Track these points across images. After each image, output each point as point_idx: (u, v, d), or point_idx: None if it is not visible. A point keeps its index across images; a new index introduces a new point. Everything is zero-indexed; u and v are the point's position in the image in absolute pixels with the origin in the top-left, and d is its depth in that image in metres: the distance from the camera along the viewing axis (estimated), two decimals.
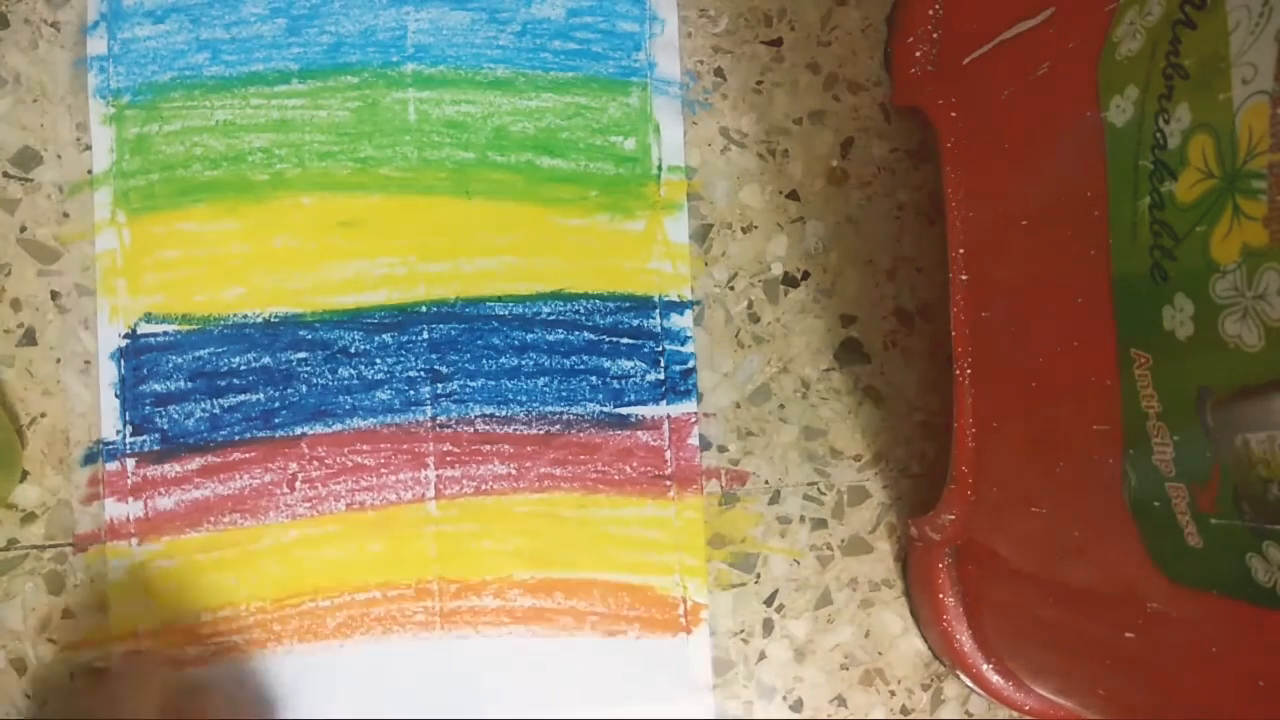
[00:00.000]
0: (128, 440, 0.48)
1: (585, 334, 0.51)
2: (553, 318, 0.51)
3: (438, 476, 0.50)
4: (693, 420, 0.52)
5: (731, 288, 0.53)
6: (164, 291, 0.49)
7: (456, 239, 0.50)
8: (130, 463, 0.48)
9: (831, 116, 0.54)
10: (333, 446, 0.49)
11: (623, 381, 0.51)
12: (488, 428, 0.50)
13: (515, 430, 0.50)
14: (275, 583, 0.48)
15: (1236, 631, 0.33)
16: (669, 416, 0.52)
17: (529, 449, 0.50)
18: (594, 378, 0.51)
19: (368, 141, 0.50)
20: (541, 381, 0.51)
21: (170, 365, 0.48)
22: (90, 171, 0.48)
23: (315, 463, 0.49)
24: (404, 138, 0.50)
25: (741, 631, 0.52)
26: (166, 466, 0.48)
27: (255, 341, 0.49)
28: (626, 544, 0.51)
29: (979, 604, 0.49)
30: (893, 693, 0.54)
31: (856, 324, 0.54)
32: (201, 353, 0.49)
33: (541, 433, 0.50)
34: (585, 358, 0.51)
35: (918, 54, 0.51)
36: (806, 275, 0.54)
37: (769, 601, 0.53)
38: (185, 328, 0.49)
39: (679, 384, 0.52)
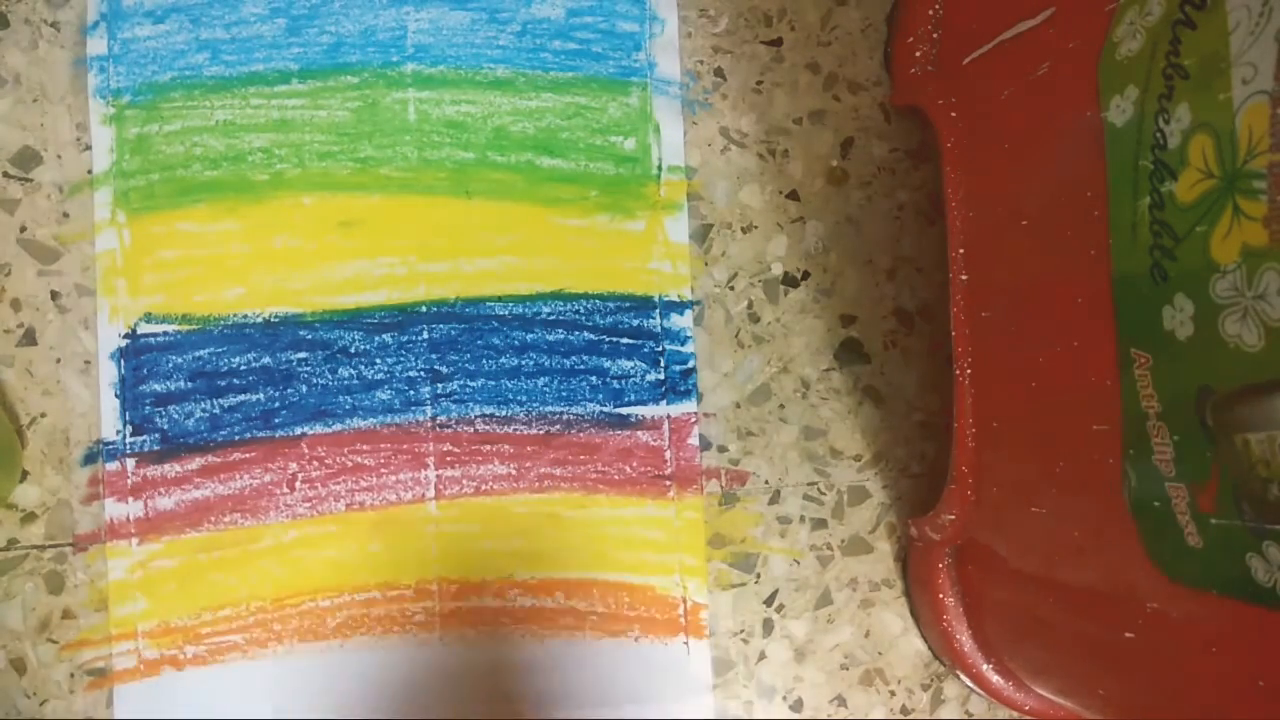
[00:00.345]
0: (128, 440, 0.48)
1: (585, 334, 0.51)
2: (553, 318, 0.51)
3: (438, 476, 0.50)
4: (693, 420, 0.52)
5: (731, 288, 0.53)
6: (164, 291, 0.49)
7: (456, 239, 0.50)
8: (130, 463, 0.48)
9: (831, 116, 0.54)
10: (333, 446, 0.49)
11: (623, 381, 0.51)
12: (488, 428, 0.50)
13: (515, 430, 0.50)
14: (275, 583, 0.48)
15: (1236, 631, 0.33)
16: (669, 416, 0.52)
17: (529, 449, 0.50)
18: (594, 378, 0.51)
19: (368, 141, 0.50)
20: (541, 381, 0.51)
21: (170, 365, 0.48)
22: (90, 171, 0.48)
23: (315, 463, 0.49)
24: (404, 138, 0.50)
25: (741, 631, 0.52)
26: (166, 466, 0.48)
27: (255, 341, 0.49)
28: (626, 544, 0.51)
29: (979, 604, 0.49)
30: (893, 693, 0.54)
31: (856, 324, 0.54)
32: (201, 353, 0.49)
33: (541, 433, 0.50)
34: (585, 358, 0.51)
35: (918, 54, 0.51)
36: (806, 275, 0.54)
37: (769, 601, 0.53)
38: (185, 328, 0.49)
39: (679, 384, 0.52)
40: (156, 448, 0.48)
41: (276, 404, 0.49)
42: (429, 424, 0.50)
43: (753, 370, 0.53)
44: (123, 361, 0.48)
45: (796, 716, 0.53)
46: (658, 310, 0.52)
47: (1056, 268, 0.40)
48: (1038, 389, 0.42)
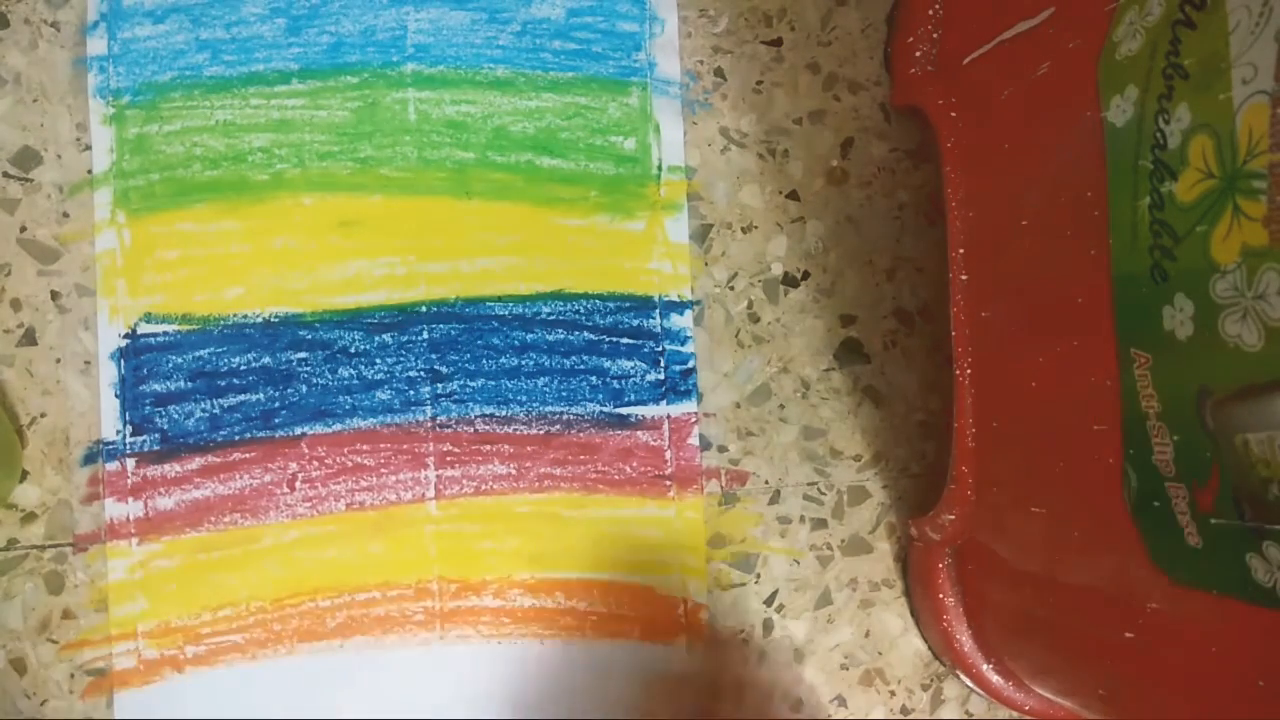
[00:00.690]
0: (128, 440, 0.48)
1: (585, 334, 0.51)
2: (553, 318, 0.51)
3: (438, 476, 0.50)
4: (693, 420, 0.52)
5: (731, 288, 0.53)
6: (164, 291, 0.49)
7: (456, 239, 0.50)
8: (130, 463, 0.48)
9: (831, 116, 0.54)
10: (333, 446, 0.49)
11: (623, 381, 0.51)
12: (488, 428, 0.50)
13: (515, 430, 0.50)
14: (275, 583, 0.48)
15: (1236, 631, 0.33)
16: (669, 416, 0.52)
17: (529, 449, 0.50)
18: (594, 378, 0.51)
19: (368, 141, 0.50)
20: (541, 381, 0.51)
21: (170, 365, 0.48)
22: (90, 171, 0.48)
23: (315, 463, 0.49)
24: (404, 138, 0.50)
25: (741, 631, 0.52)
26: (166, 466, 0.48)
27: (255, 341, 0.49)
28: (626, 544, 0.51)
29: (979, 604, 0.49)
30: (893, 693, 0.54)
31: (856, 324, 0.54)
32: (201, 353, 0.49)
33: (541, 433, 0.50)
34: (585, 358, 0.51)
35: (918, 54, 0.51)
36: (806, 275, 0.54)
37: (769, 601, 0.53)
38: (185, 328, 0.49)
39: (679, 384, 0.52)
40: (156, 448, 0.48)
41: (276, 404, 0.49)
42: (429, 424, 0.50)
43: (753, 370, 0.53)
44: (123, 361, 0.48)
45: (796, 717, 0.53)
46: (658, 310, 0.52)
47: (1056, 268, 0.40)
48: (1038, 389, 0.42)
